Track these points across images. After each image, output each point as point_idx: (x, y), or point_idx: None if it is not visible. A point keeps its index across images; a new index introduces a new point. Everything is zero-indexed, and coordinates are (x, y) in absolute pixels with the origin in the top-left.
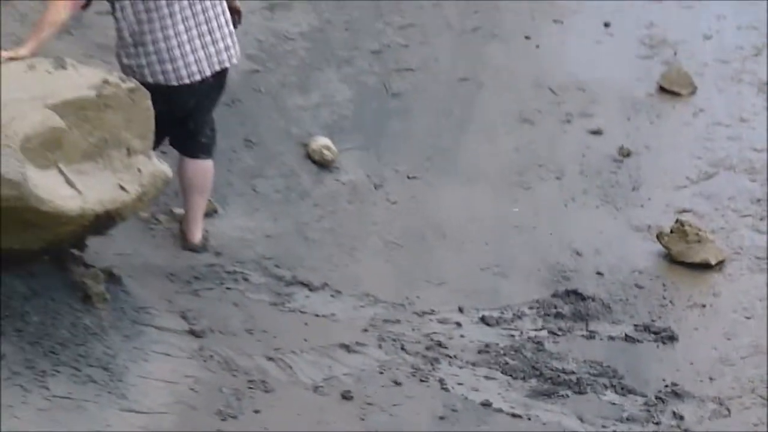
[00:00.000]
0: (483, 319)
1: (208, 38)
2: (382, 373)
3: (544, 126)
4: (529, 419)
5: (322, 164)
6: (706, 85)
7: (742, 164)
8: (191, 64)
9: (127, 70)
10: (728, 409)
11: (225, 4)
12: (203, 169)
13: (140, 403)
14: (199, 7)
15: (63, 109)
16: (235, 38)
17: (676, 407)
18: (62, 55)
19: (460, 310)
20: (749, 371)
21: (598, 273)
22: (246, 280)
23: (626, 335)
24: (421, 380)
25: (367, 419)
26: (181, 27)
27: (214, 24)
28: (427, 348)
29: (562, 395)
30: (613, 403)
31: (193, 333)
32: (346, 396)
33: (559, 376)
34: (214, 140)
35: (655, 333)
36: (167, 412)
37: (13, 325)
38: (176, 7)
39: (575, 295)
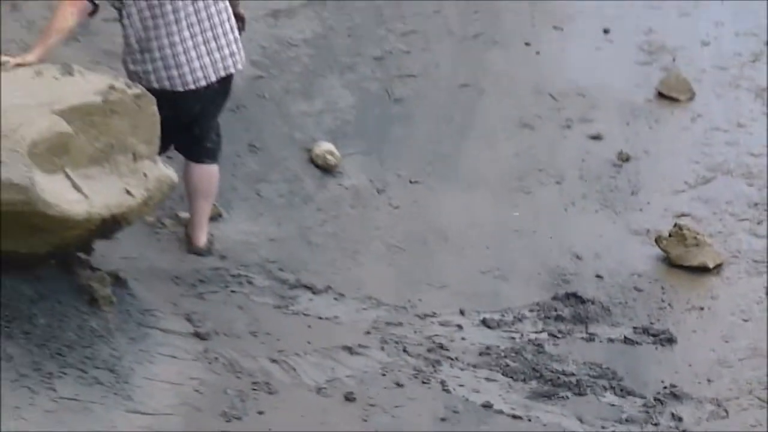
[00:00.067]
0: (484, 322)
1: (213, 44)
2: (384, 374)
3: (544, 131)
4: (530, 420)
5: (326, 169)
6: (704, 90)
7: (739, 169)
8: (197, 70)
9: (134, 76)
10: (726, 411)
11: (231, 10)
12: (208, 173)
13: (146, 404)
14: (204, 14)
15: (70, 115)
16: (240, 44)
17: (674, 409)
18: (69, 62)
19: (462, 312)
20: (747, 373)
21: (598, 276)
22: (250, 283)
23: (625, 337)
24: (423, 382)
25: (370, 420)
26: (186, 33)
27: (220, 30)
28: (429, 350)
29: (562, 397)
30: (613, 405)
31: (198, 335)
32: (349, 397)
33: (559, 377)
34: (220, 145)
35: (654, 335)
36: (172, 414)
37: (20, 328)
38: (182, 14)
39: (575, 298)
